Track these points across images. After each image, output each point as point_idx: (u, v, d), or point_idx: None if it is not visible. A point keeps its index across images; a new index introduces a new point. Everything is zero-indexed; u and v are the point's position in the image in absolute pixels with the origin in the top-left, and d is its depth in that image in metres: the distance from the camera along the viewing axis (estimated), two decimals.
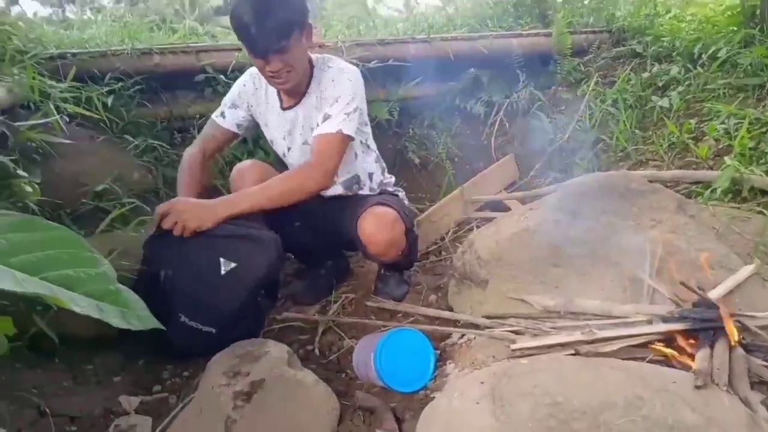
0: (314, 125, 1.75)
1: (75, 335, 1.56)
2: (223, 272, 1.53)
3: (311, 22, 1.64)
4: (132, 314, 0.84)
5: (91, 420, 1.33)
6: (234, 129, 1.92)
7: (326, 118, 1.68)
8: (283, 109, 1.82)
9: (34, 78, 2.04)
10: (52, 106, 2.00)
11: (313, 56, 1.79)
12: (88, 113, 2.22)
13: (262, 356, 1.33)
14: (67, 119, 2.12)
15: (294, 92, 1.77)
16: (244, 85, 1.89)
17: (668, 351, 1.24)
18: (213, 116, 1.93)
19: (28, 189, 1.60)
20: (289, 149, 1.88)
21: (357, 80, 1.75)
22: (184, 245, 1.54)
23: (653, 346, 1.27)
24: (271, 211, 1.66)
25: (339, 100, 1.69)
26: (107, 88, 2.41)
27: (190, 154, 1.88)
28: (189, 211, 1.54)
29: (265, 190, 1.65)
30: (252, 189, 1.68)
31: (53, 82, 2.19)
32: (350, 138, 1.72)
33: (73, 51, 2.50)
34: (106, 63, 2.53)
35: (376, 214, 1.72)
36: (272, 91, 1.84)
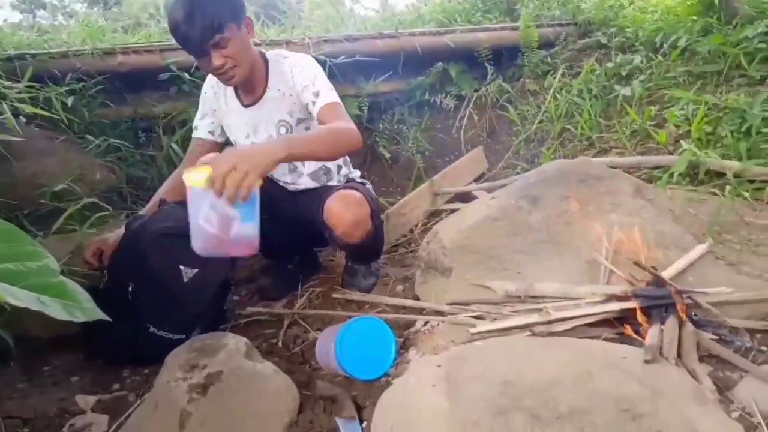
0: (279, 119, 1.76)
1: (32, 336, 1.54)
2: (185, 280, 1.52)
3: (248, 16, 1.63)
4: (76, 306, 0.82)
5: (46, 421, 1.30)
6: (208, 137, 1.94)
7: (317, 94, 1.67)
8: (245, 106, 1.81)
9: None
10: (5, 107, 1.96)
11: (267, 53, 1.79)
12: (46, 113, 2.17)
13: (220, 349, 1.32)
14: (25, 120, 2.09)
15: (251, 89, 1.77)
16: (206, 93, 1.91)
17: (623, 328, 1.26)
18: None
19: None
20: None
21: (318, 65, 1.76)
22: (143, 258, 1.52)
23: (610, 324, 1.29)
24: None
25: (317, 77, 1.70)
26: (67, 88, 2.38)
27: (177, 171, 1.92)
28: (243, 159, 1.21)
29: (320, 136, 1.50)
30: (307, 135, 1.65)
31: (10, 83, 2.16)
32: None
33: (32, 52, 2.47)
34: (67, 63, 2.49)
35: (342, 195, 1.71)
36: (230, 92, 1.83)
